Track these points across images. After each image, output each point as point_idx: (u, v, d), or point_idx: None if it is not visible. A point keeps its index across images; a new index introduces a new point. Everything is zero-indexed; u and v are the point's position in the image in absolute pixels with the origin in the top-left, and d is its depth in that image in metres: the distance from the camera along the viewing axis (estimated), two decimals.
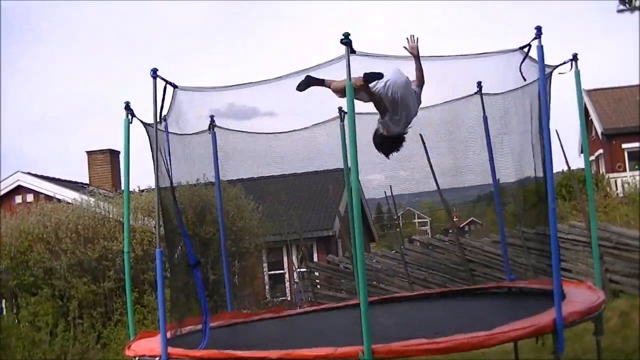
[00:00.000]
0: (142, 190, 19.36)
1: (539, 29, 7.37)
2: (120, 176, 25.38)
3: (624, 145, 38.24)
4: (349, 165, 7.34)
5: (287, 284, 26.41)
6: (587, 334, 9.41)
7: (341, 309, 11.08)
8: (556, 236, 6.94)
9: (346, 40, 6.68)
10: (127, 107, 8.64)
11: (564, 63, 8.64)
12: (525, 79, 8.19)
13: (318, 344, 6.86)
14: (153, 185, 8.38)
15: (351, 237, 10.85)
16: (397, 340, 6.65)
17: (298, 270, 22.26)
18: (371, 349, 6.24)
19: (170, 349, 7.43)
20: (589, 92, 38.86)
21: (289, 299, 24.36)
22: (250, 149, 10.97)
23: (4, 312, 16.72)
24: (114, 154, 27.26)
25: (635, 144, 37.94)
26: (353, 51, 6.73)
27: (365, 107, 8.60)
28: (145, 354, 7.92)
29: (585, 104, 36.82)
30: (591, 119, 38.97)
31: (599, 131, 38.86)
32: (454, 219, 21.44)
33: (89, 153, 27.91)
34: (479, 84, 10.33)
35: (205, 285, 15.82)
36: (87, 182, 27.01)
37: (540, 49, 7.27)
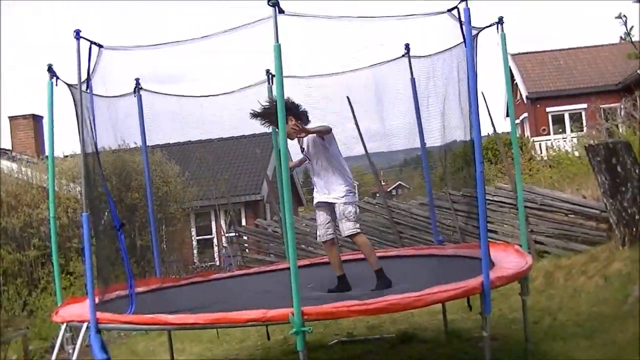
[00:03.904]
0: (66, 156, 19.04)
1: None
2: (43, 142, 24.98)
3: (548, 109, 38.80)
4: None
5: (216, 248, 26.32)
6: (513, 294, 9.58)
7: (270, 272, 11.04)
8: (484, 199, 6.99)
9: (274, 2, 6.53)
10: (50, 69, 8.41)
11: (490, 25, 8.65)
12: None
13: (248, 307, 6.82)
14: (77, 151, 8.21)
15: (280, 200, 10.78)
16: (326, 302, 6.66)
17: (226, 234, 22.20)
18: (301, 311, 6.23)
19: (99, 314, 7.28)
20: (513, 55, 39.21)
21: (217, 263, 24.28)
22: (176, 113, 10.75)
23: None
24: (36, 118, 26.76)
25: (559, 108, 38.54)
26: (281, 11, 6.59)
27: (293, 70, 8.56)
28: (73, 319, 7.76)
29: (510, 68, 37.24)
30: (516, 83, 39.41)
31: (524, 95, 39.34)
32: (382, 183, 21.50)
33: (11, 118, 27.36)
34: (407, 46, 10.27)
35: (132, 251, 15.79)
36: (10, 148, 26.46)
37: (467, 11, 7.26)
